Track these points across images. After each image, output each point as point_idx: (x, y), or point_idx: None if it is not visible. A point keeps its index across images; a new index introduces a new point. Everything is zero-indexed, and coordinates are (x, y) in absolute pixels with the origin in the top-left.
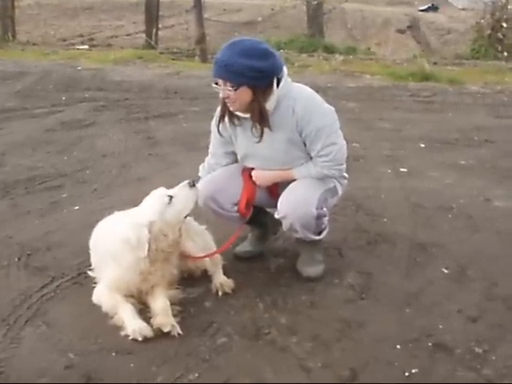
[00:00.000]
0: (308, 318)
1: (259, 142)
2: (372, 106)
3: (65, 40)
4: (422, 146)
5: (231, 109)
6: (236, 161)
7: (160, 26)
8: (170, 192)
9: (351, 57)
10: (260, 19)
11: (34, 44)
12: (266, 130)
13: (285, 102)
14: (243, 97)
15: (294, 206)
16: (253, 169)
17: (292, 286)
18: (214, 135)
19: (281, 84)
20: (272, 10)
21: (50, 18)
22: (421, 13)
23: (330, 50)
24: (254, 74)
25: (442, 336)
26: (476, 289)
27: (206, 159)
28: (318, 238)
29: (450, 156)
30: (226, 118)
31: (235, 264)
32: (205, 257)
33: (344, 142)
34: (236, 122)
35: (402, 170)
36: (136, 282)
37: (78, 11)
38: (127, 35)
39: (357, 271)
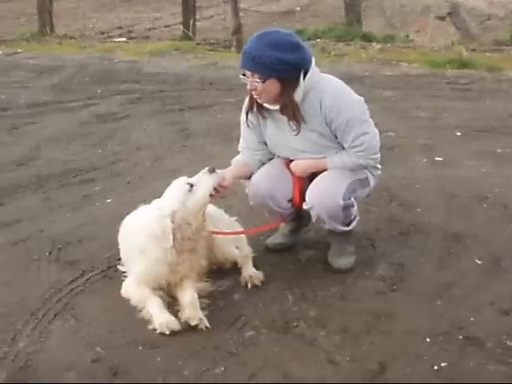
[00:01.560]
0: (337, 310)
1: (297, 134)
2: (409, 94)
3: (103, 33)
4: (459, 134)
5: (259, 101)
6: (269, 152)
7: (198, 16)
8: (191, 180)
9: (389, 45)
10: (298, 8)
11: (71, 37)
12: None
13: (312, 94)
14: (271, 89)
15: (321, 196)
16: (291, 161)
17: (322, 278)
18: (245, 128)
19: (308, 76)
20: None
21: (89, 10)
22: None
23: (367, 38)
24: (282, 66)
25: (473, 329)
26: (510, 280)
27: (240, 154)
28: (346, 228)
29: (487, 144)
30: (255, 110)
31: (266, 256)
32: (237, 233)
33: (376, 131)
34: (265, 114)
35: (437, 159)
36: (164, 274)
37: (117, 4)
38: (165, 27)
39: (389, 262)
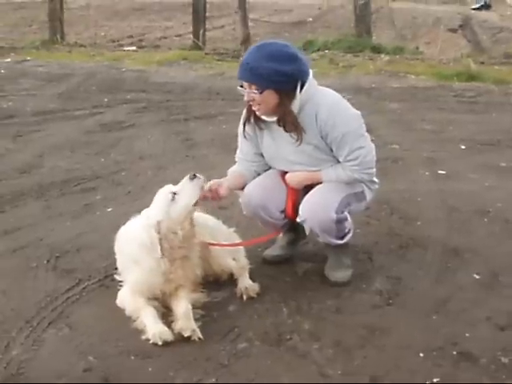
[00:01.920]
0: (332, 323)
1: (299, 145)
2: (415, 106)
3: (114, 41)
4: (463, 147)
5: (257, 113)
6: (265, 163)
7: (210, 26)
8: (174, 188)
9: (397, 57)
10: (310, 19)
11: (81, 45)
12: (289, 133)
13: (308, 106)
14: (268, 100)
15: (313, 210)
16: (286, 173)
17: (318, 291)
18: (242, 139)
19: (304, 88)
20: (319, 9)
21: (101, 19)
22: (473, 11)
23: (377, 49)
24: (279, 77)
25: (468, 344)
26: (507, 295)
27: (236, 165)
28: (340, 242)
29: (491, 158)
30: (252, 121)
31: (263, 268)
32: (227, 245)
33: (372, 146)
34: (262, 125)
35: (440, 172)
36: (159, 284)
37: (130, 12)
38: (176, 36)
39: (386, 276)
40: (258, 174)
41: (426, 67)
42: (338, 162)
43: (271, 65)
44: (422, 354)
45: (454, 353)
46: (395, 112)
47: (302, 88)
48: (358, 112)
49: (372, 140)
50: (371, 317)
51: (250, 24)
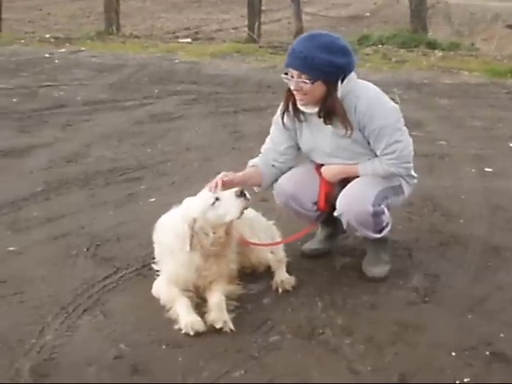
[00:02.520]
0: (365, 319)
1: (350, 136)
2: (465, 103)
3: (171, 33)
4: None
5: (300, 103)
6: (294, 156)
7: (266, 19)
8: (219, 194)
9: (451, 53)
10: (368, 14)
11: (135, 37)
12: (329, 126)
13: (348, 99)
14: (317, 91)
15: (350, 203)
16: (323, 165)
17: (354, 286)
18: (276, 130)
19: (345, 81)
20: (374, 3)
21: (159, 11)
22: None
23: (432, 45)
24: (332, 69)
25: (502, 345)
26: None
27: (262, 155)
28: (377, 236)
29: None
30: (291, 112)
31: (301, 261)
32: (264, 245)
33: (410, 140)
34: (301, 117)
35: (487, 169)
36: (192, 279)
37: (187, 4)
38: (233, 29)
39: (424, 273)
40: (280, 172)
41: (480, 64)
42: (375, 156)
43: (325, 56)
44: (453, 353)
45: (487, 353)
46: (445, 108)
47: (342, 80)
48: (397, 105)
49: (420, 136)
50: (406, 313)
51: (307, 18)
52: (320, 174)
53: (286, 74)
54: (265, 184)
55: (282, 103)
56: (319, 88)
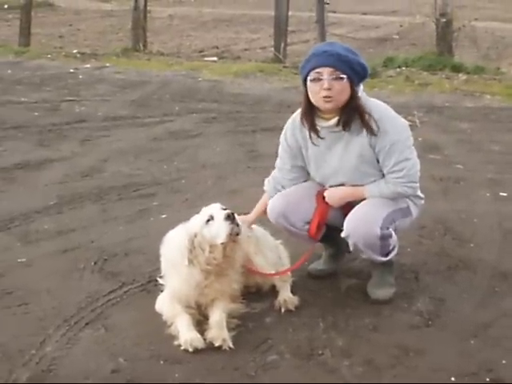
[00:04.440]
0: (366, 341)
1: (371, 135)
2: (485, 127)
3: (198, 51)
4: None
5: (327, 105)
6: (302, 176)
7: (296, 40)
8: (214, 212)
9: (475, 76)
10: (396, 36)
11: (161, 54)
12: (340, 144)
13: None
14: (345, 92)
15: (358, 225)
16: (326, 189)
17: (358, 308)
18: (282, 149)
19: (359, 93)
20: (401, 26)
21: (188, 29)
22: None
23: (457, 68)
24: (360, 69)
25: (503, 372)
26: None
27: (272, 173)
28: (384, 259)
29: None
30: (306, 126)
31: (306, 281)
32: (273, 275)
33: (417, 160)
34: (318, 133)
35: (501, 194)
36: (193, 296)
37: (216, 23)
38: (260, 48)
39: (429, 297)
40: None
41: (503, 88)
42: (382, 176)
43: (352, 55)
44: (453, 378)
45: (488, 379)
46: (465, 132)
47: None
48: (407, 122)
49: (437, 159)
50: (407, 337)
51: (335, 39)
52: (320, 199)
53: (313, 80)
54: None
55: (288, 122)
56: (347, 89)
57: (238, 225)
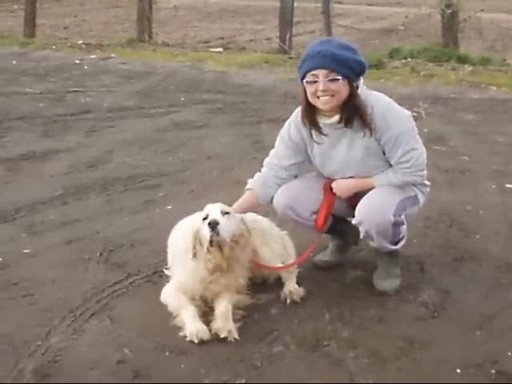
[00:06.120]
0: (372, 333)
1: (370, 136)
2: (491, 118)
3: (203, 42)
4: None
5: (325, 106)
6: (295, 174)
7: (301, 31)
8: (210, 214)
9: (481, 68)
10: (401, 27)
11: (166, 45)
12: (344, 138)
13: None
14: (343, 91)
15: (371, 212)
16: (333, 181)
17: (363, 300)
18: (282, 145)
19: (358, 90)
20: (406, 17)
21: (194, 20)
22: None
23: (463, 60)
24: (356, 66)
25: (508, 364)
26: None
27: (262, 171)
28: (394, 247)
29: None
30: (307, 124)
31: (312, 272)
32: (278, 268)
33: (423, 148)
34: (320, 130)
35: (507, 185)
36: (198, 290)
37: (222, 14)
38: (266, 39)
39: (435, 288)
40: (278, 189)
41: (509, 79)
42: (389, 166)
43: (348, 53)
44: (458, 370)
45: (493, 371)
46: (470, 123)
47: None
48: (410, 113)
49: (442, 150)
50: (413, 329)
51: (340, 30)
52: (327, 190)
53: (302, 79)
54: (263, 203)
55: (291, 117)
56: (345, 88)
57: (218, 234)
